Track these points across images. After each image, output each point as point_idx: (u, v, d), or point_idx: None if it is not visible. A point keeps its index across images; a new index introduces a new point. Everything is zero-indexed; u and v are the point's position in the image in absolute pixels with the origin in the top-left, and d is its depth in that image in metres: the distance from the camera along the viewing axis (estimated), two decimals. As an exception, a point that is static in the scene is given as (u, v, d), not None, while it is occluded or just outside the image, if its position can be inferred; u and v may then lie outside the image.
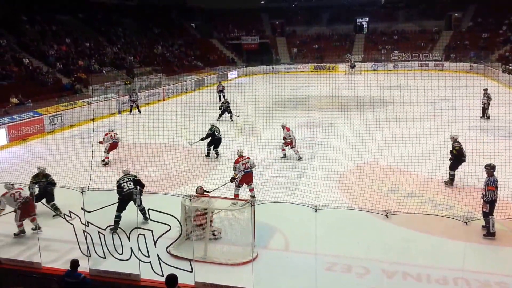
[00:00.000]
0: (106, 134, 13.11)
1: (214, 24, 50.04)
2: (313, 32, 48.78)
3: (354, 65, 36.92)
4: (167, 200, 8.61)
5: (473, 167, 9.87)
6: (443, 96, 20.77)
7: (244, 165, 9.27)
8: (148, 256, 6.05)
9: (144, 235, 6.00)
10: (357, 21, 49.54)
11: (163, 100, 26.65)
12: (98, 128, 15.82)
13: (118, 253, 6.30)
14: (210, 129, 13.27)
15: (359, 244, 7.52)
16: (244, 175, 9.29)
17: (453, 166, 10.33)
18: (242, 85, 31.08)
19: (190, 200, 6.54)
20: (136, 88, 25.23)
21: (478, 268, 6.57)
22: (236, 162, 9.30)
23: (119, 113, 21.71)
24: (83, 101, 21.24)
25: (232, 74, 39.62)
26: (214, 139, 13.27)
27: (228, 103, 19.10)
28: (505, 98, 18.91)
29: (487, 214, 7.49)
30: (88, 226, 6.38)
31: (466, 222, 5.40)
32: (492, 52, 37.80)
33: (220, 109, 19.06)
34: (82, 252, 6.50)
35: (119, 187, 8.33)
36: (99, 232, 6.29)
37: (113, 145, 13.08)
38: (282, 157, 12.90)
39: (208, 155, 13.47)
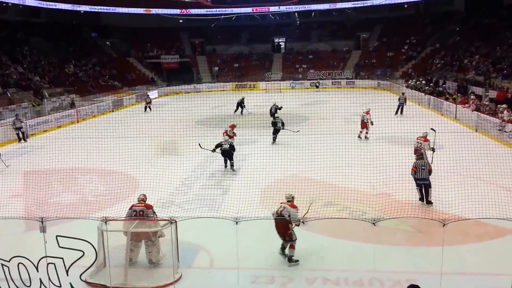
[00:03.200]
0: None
1: (131, 42, 48.74)
2: (233, 51, 49.66)
3: (319, 84, 39.74)
4: (83, 226, 8.16)
5: (382, 174, 10.67)
6: (355, 111, 22.22)
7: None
8: (60, 286, 5.65)
9: (54, 263, 5.60)
10: (275, 41, 51.38)
11: (77, 122, 25.27)
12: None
13: (26, 286, 5.79)
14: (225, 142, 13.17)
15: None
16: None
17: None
18: (163, 105, 30.56)
19: (105, 223, 6.24)
20: (22, 112, 22.81)
21: (389, 268, 7.01)
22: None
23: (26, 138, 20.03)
24: (-17, 126, 19.40)
25: (153, 93, 38.78)
26: (222, 150, 13.05)
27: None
28: (408, 111, 20.70)
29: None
30: (-11, 259, 5.81)
31: (374, 223, 5.78)
32: (396, 69, 41.35)
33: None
34: (-18, 289, 5.89)
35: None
36: (2, 264, 5.74)
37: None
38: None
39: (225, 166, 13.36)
